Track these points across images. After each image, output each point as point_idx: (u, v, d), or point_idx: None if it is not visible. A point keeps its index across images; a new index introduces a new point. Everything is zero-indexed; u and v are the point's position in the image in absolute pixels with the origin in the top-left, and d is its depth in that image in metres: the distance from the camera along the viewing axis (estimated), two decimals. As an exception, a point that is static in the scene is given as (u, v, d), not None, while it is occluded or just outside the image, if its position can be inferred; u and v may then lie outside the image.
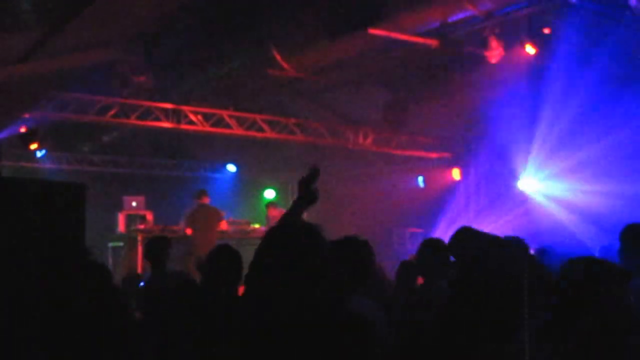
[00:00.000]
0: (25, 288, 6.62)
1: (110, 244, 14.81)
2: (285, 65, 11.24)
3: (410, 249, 12.36)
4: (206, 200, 14.24)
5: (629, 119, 11.27)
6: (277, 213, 14.86)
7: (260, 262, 3.26)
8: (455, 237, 3.99)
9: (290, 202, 4.20)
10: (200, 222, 13.88)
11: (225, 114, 13.04)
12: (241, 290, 5.29)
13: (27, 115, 12.03)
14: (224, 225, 14.41)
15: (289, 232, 3.33)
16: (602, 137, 11.71)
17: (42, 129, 13.16)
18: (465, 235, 4.02)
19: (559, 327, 3.52)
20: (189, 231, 13.98)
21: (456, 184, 15.21)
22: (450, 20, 9.47)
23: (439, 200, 15.26)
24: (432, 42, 9.95)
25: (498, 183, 14.16)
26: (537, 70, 10.69)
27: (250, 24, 11.07)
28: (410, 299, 6.26)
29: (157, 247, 7.71)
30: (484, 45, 9.66)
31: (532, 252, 6.28)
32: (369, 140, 14.40)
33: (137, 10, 10.53)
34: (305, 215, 4.84)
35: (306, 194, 4.12)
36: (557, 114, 12.09)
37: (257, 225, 15.15)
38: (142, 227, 14.36)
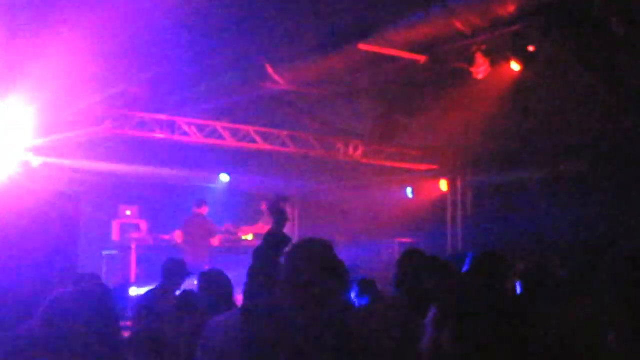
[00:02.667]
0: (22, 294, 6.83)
1: (104, 253, 15.03)
2: (278, 78, 11.42)
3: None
4: (203, 211, 14.45)
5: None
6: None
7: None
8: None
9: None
10: (192, 232, 14.11)
11: (218, 125, 13.21)
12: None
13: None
14: (215, 242, 14.64)
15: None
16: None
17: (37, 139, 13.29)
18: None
19: None
20: (179, 238, 14.24)
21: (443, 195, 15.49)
22: (438, 36, 9.61)
23: (427, 210, 15.53)
24: (421, 58, 10.18)
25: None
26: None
27: (244, 38, 11.28)
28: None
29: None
30: (471, 61, 9.85)
31: None
32: (359, 152, 14.56)
33: (132, 23, 10.75)
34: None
35: (279, 217, 4.34)
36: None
37: (249, 237, 15.37)
38: (136, 235, 14.58)
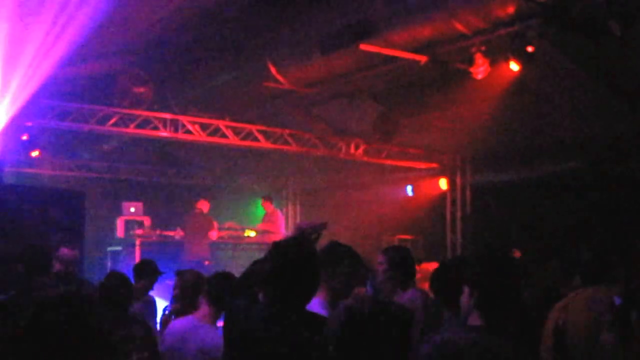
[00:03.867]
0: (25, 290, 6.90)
1: (109, 248, 15.19)
2: (280, 78, 11.51)
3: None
4: (203, 207, 14.64)
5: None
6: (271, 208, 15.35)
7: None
8: None
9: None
10: (192, 228, 14.32)
11: (221, 124, 13.28)
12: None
13: (29, 124, 12.32)
14: (212, 236, 14.82)
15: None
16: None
17: (43, 137, 13.42)
18: None
19: None
20: (179, 235, 14.45)
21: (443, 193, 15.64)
22: (438, 37, 9.67)
23: (426, 208, 15.66)
24: (421, 58, 10.23)
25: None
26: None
27: (248, 39, 11.39)
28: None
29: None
30: (471, 61, 9.85)
31: None
32: (360, 150, 14.65)
33: (137, 24, 10.87)
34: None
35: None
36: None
37: (252, 234, 15.49)
38: (139, 232, 14.75)
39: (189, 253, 14.34)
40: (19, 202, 10.61)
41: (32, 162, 15.24)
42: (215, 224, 15.05)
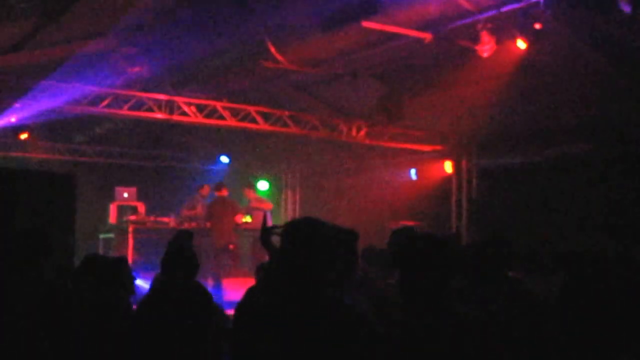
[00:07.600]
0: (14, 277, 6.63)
1: (102, 235, 14.93)
2: (279, 57, 11.26)
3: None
4: (225, 193, 14.55)
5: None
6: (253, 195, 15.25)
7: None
8: None
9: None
10: (217, 214, 14.19)
11: (218, 105, 13.03)
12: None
13: (18, 105, 12.04)
14: (238, 219, 14.67)
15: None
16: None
17: (33, 119, 13.16)
18: None
19: None
20: (208, 223, 14.33)
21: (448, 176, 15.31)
22: (443, 14, 9.50)
23: (431, 193, 15.38)
24: (426, 36, 10.00)
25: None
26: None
27: (245, 15, 11.10)
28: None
29: None
30: (476, 39, 9.62)
31: None
32: (362, 133, 14.39)
33: (131, 1, 10.56)
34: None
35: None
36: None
37: (248, 219, 15.27)
38: (133, 218, 14.48)
39: (216, 239, 14.25)
40: (5, 186, 10.38)
41: (21, 145, 14.95)
42: (240, 207, 15.00)
